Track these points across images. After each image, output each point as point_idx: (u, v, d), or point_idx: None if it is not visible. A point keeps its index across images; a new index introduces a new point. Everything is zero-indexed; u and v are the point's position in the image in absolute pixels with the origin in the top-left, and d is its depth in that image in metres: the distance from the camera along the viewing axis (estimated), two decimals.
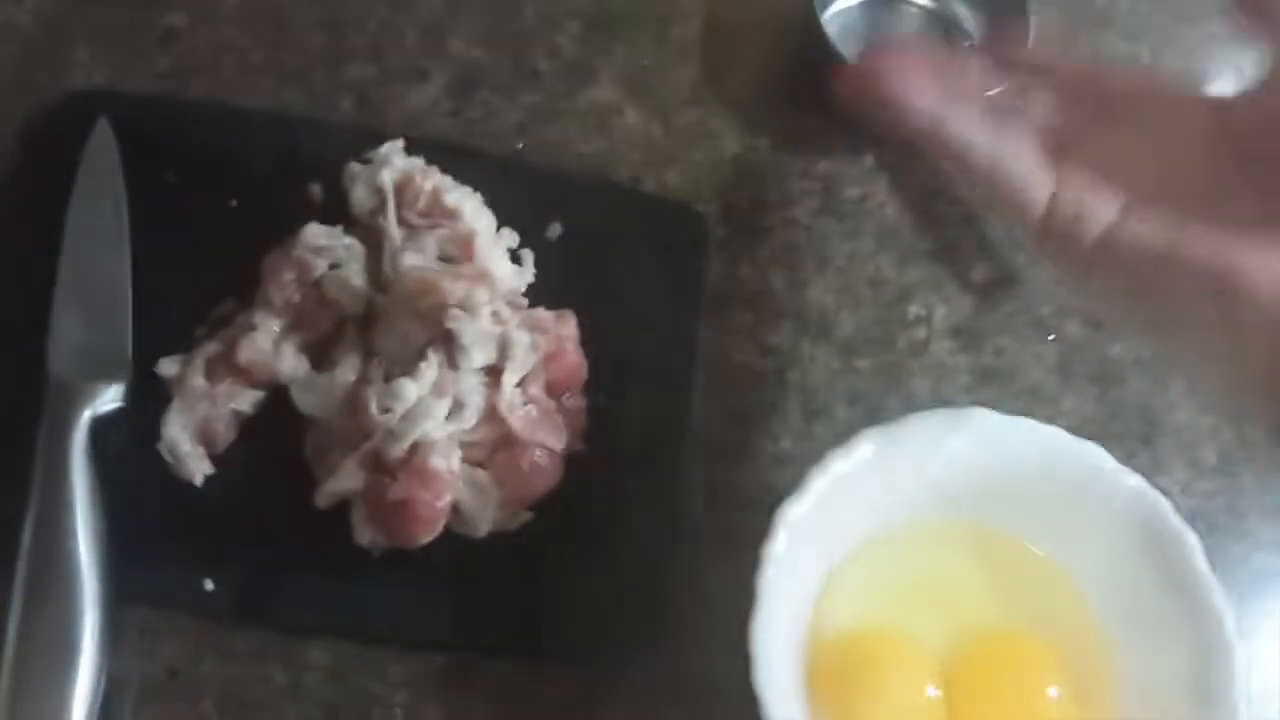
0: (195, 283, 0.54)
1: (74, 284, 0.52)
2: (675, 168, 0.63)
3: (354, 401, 0.48)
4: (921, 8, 0.68)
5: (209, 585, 0.48)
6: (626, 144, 0.63)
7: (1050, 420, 0.51)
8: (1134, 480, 0.48)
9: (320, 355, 0.51)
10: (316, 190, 0.57)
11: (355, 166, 0.55)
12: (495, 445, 0.50)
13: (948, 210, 0.64)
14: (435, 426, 0.47)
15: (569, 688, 0.50)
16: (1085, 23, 0.71)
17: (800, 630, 0.46)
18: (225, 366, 0.50)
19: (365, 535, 0.48)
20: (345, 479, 0.47)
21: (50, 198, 0.54)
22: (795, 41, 0.67)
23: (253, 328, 0.50)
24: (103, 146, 0.56)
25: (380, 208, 0.53)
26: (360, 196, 0.54)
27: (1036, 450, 0.49)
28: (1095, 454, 0.49)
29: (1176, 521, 0.47)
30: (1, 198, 0.56)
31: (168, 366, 0.50)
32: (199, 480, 0.49)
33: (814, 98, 0.65)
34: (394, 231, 0.53)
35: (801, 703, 0.44)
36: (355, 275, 0.51)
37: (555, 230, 0.58)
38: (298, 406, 0.50)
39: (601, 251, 0.58)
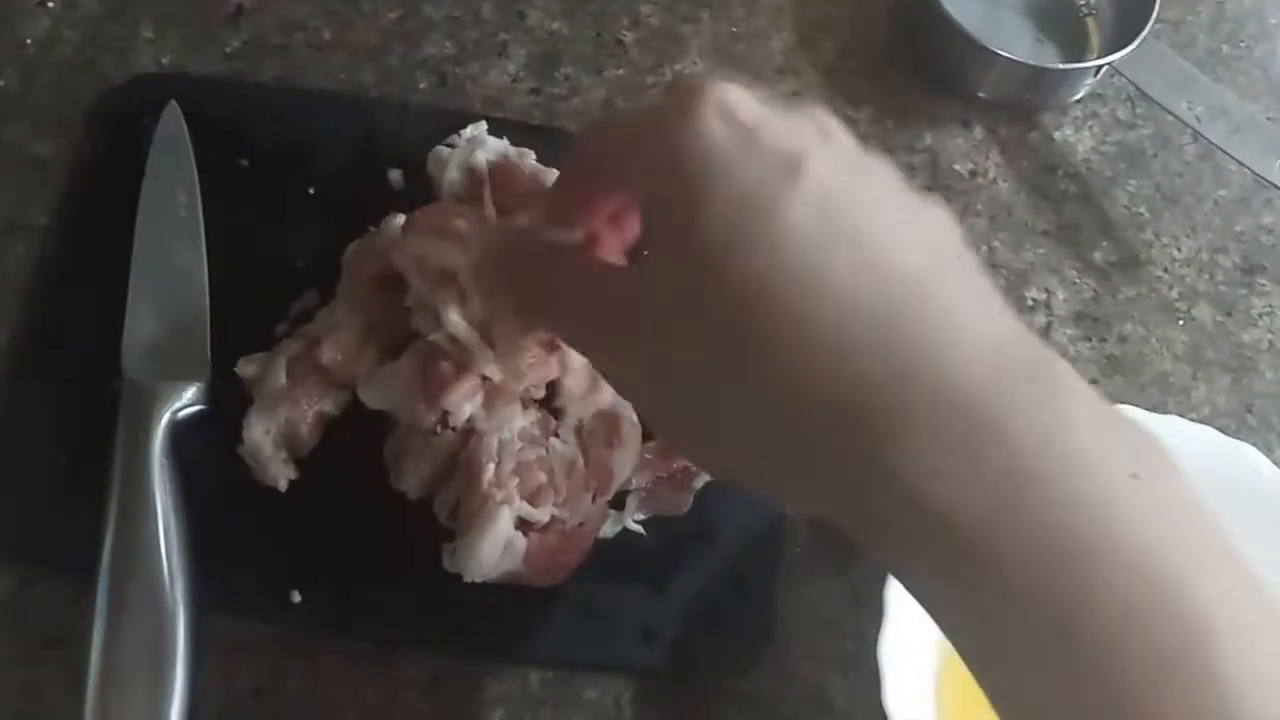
0: (274, 275, 0.52)
1: (148, 279, 0.50)
2: None
3: (422, 387, 0.46)
4: None
5: (296, 597, 0.46)
6: None
7: (1181, 413, 0.47)
8: None
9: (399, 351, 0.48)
10: (397, 176, 0.54)
11: (443, 150, 0.52)
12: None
13: (1066, 186, 0.60)
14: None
15: (670, 705, 0.47)
16: None
17: (928, 646, 0.42)
18: (308, 366, 0.47)
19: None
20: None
21: (120, 185, 0.52)
22: (897, 3, 0.63)
23: (336, 325, 0.47)
24: (173, 131, 0.53)
25: (474, 193, 0.51)
26: (452, 180, 0.51)
27: (1184, 451, 0.45)
28: (1250, 456, 0.44)
29: None
30: (69, 186, 0.54)
31: (247, 367, 0.48)
32: (283, 485, 0.47)
33: (918, 64, 0.62)
34: (491, 214, 0.50)
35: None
36: None
37: None
38: (364, 401, 0.47)
39: None
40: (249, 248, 0.52)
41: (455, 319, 0.46)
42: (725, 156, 0.32)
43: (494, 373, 0.46)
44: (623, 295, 0.35)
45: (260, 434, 0.47)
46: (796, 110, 0.34)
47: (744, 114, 0.33)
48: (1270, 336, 0.57)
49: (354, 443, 0.48)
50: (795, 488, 0.33)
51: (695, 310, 0.32)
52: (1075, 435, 0.29)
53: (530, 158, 0.51)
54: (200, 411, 0.48)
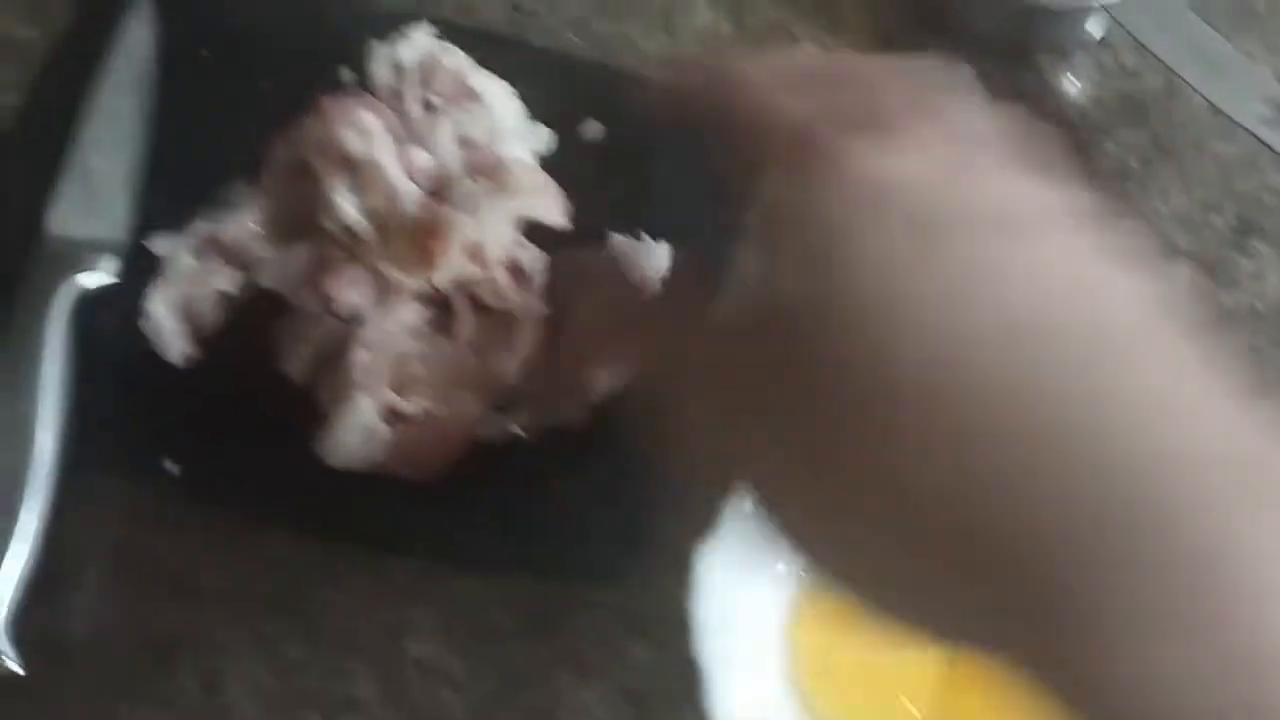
0: (215, 165, 0.52)
1: (89, 151, 0.51)
2: None
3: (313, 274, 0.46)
4: None
5: (172, 466, 0.46)
6: (692, 42, 0.58)
7: None
8: None
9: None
10: (346, 73, 0.54)
11: (378, 46, 0.52)
12: None
13: (1053, 133, 0.56)
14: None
15: (529, 606, 0.46)
16: None
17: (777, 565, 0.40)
18: (212, 246, 0.48)
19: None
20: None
21: (85, 70, 0.53)
22: None
23: (245, 209, 0.48)
24: (141, 19, 0.54)
25: (402, 89, 0.51)
26: (381, 74, 0.51)
27: None
28: None
29: None
30: (44, 69, 0.55)
31: (161, 244, 0.49)
32: (178, 359, 0.47)
33: None
34: (415, 111, 0.50)
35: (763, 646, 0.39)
36: None
37: (594, 130, 0.54)
38: (256, 279, 0.47)
39: (644, 156, 0.53)
40: (197, 136, 0.52)
41: (346, 206, 0.46)
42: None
43: (386, 266, 0.46)
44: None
45: (161, 307, 0.48)
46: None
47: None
48: (1253, 300, 0.52)
49: (257, 327, 0.48)
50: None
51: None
52: None
53: (459, 57, 0.51)
54: (116, 285, 0.49)
